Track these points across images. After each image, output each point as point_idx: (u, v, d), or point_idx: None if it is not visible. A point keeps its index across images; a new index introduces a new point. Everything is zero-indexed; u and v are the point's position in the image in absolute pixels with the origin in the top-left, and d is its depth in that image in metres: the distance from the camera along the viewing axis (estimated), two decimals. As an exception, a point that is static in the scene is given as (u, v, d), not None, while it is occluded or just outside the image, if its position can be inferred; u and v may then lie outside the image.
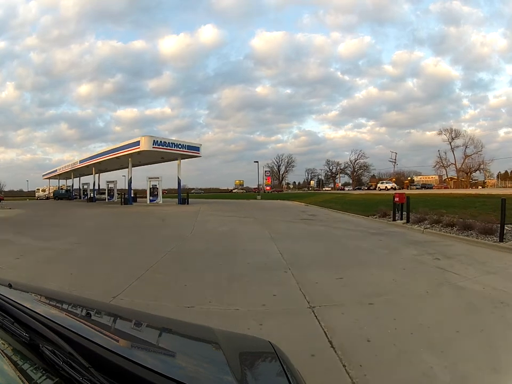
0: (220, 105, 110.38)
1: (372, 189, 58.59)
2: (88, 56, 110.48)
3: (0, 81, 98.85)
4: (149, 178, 26.82)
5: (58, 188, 48.43)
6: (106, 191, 33.89)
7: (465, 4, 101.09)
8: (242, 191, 70.53)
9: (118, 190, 34.01)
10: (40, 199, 45.55)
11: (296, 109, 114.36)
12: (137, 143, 23.03)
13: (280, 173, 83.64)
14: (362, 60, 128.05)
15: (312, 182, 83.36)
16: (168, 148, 23.69)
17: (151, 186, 26.48)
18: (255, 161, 46.14)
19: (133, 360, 0.63)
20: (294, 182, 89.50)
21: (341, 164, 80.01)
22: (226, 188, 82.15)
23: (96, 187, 36.35)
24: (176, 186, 27.66)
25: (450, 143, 61.06)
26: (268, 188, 63.45)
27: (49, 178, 49.93)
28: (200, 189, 73.65)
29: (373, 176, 76.89)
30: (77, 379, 0.60)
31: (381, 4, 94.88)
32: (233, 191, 72.74)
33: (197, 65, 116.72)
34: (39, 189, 52.00)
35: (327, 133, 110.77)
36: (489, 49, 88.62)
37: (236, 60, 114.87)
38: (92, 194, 34.38)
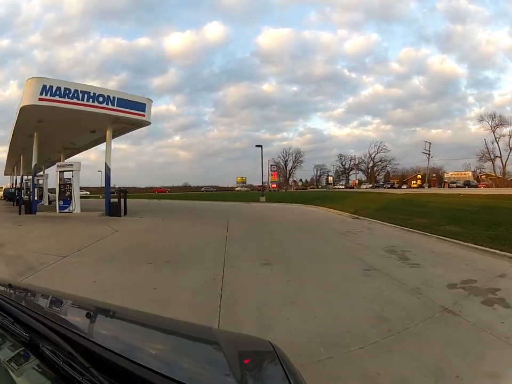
0: (225, 102, 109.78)
1: (395, 187, 52.26)
2: (92, 54, 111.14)
3: (4, 80, 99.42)
4: (58, 165, 15.21)
5: (11, 186, 36.70)
6: (37, 190, 21.42)
7: (471, 2, 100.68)
8: (246, 189, 65.72)
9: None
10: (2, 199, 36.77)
11: (302, 107, 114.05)
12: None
13: (287, 168, 77.29)
14: (369, 58, 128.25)
15: (330, 178, 76.19)
16: (75, 101, 11.14)
17: (61, 183, 14.30)
18: (257, 146, 31.08)
19: (133, 360, 0.64)
20: (301, 180, 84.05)
21: (355, 158, 73.72)
22: (226, 185, 76.62)
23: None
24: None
25: (493, 131, 53.27)
26: (274, 185, 57.68)
27: (10, 174, 38.29)
28: (212, 187, 70.19)
29: (387, 173, 71.68)
30: (77, 379, 0.60)
31: (388, 2, 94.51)
32: (236, 189, 68.05)
33: (202, 63, 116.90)
34: (2, 187, 42.10)
35: (333, 131, 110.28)
36: (494, 47, 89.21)
37: (241, 57, 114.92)
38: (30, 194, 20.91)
